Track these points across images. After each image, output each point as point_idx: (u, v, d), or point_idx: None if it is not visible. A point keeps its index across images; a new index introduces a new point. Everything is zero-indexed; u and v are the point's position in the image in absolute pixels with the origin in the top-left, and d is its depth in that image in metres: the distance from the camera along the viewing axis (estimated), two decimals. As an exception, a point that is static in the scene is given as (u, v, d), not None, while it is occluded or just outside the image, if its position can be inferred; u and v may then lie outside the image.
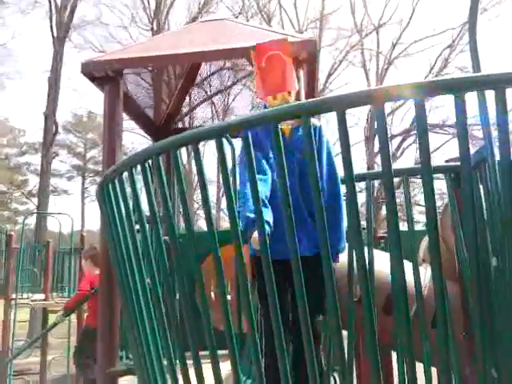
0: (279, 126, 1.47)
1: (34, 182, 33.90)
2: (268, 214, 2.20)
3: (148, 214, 1.91)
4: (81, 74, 3.95)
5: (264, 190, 2.23)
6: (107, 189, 2.11)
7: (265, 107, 2.55)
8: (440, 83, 1.23)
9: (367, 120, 22.43)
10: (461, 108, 1.20)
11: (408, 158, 24.22)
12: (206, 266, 2.60)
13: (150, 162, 1.86)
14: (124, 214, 2.03)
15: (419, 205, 16.53)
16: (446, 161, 2.34)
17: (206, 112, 6.55)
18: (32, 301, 10.32)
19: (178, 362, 1.83)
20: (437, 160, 2.61)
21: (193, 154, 1.65)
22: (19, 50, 49.35)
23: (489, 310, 1.75)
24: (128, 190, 2.02)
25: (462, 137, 1.16)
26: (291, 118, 1.59)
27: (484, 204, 1.78)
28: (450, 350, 1.36)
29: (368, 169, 20.35)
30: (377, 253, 2.85)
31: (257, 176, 2.25)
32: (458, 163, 2.23)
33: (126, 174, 1.98)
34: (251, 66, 2.54)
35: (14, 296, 9.81)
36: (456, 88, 1.16)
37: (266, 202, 2.24)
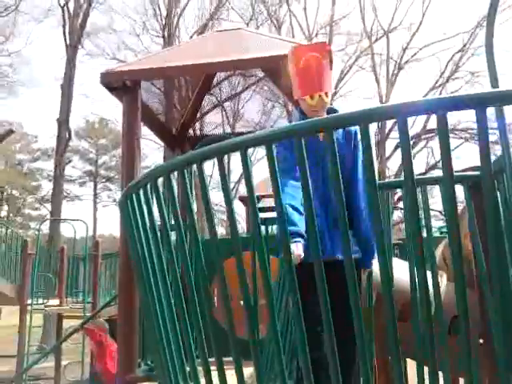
0: (304, 140, 1.51)
1: (46, 187, 34.32)
2: (303, 224, 2.18)
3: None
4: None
5: (300, 197, 2.15)
6: (131, 199, 2.15)
7: (301, 112, 2.57)
8: (464, 98, 1.26)
9: (378, 125, 22.35)
10: (483, 122, 1.24)
11: (419, 162, 24.14)
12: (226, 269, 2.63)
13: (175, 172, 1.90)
14: (148, 224, 2.07)
15: (431, 209, 16.45)
16: (463, 170, 2.37)
17: (216, 118, 6.57)
18: (46, 306, 10.41)
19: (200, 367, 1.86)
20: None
21: (217, 163, 1.68)
22: (33, 57, 50.14)
23: (509, 317, 1.77)
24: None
25: (485, 153, 1.19)
26: (317, 131, 1.62)
27: (501, 213, 1.80)
28: (472, 357, 1.40)
29: (379, 173, 20.27)
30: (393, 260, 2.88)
31: (292, 182, 2.27)
32: (475, 172, 2.27)
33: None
34: (283, 75, 2.59)
35: (29, 302, 9.91)
36: (481, 103, 1.19)
37: (301, 209, 2.20)
